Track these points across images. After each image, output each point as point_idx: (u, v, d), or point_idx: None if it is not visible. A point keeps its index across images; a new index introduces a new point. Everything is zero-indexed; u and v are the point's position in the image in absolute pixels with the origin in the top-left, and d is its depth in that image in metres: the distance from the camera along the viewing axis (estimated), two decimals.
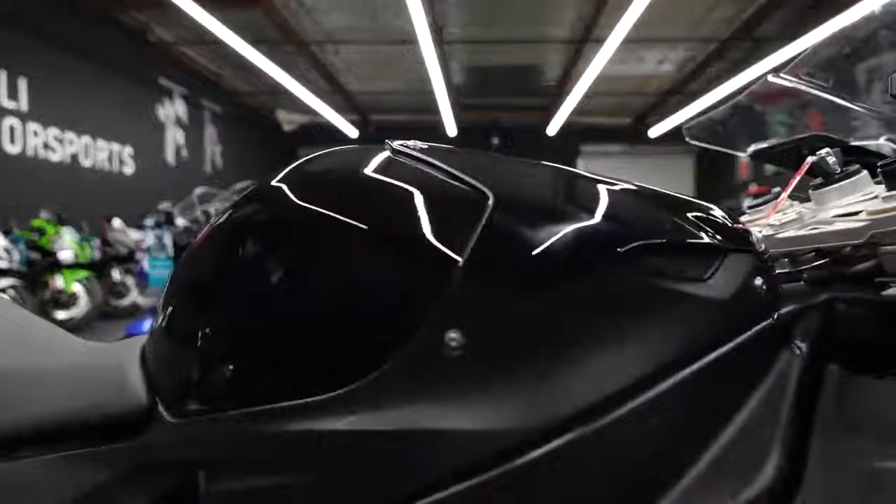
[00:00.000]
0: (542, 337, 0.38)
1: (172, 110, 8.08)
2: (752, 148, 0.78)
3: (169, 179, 7.56)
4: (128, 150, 7.05)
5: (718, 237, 0.44)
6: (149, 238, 2.75)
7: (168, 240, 2.59)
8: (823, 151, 0.60)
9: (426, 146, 0.50)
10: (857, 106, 0.67)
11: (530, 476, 0.37)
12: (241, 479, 0.42)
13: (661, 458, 0.38)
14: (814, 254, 0.56)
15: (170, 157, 8.06)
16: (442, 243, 0.39)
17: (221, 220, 0.50)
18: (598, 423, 0.37)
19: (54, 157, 5.88)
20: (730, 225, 0.47)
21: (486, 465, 0.37)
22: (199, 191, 2.82)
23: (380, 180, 0.46)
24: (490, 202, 0.40)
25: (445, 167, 0.44)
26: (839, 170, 0.60)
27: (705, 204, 0.49)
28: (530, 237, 0.39)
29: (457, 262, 0.38)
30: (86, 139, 6.34)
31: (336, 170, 0.51)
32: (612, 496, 0.37)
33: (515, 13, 6.56)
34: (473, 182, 0.42)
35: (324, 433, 0.39)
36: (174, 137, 8.13)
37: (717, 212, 0.48)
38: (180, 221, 2.53)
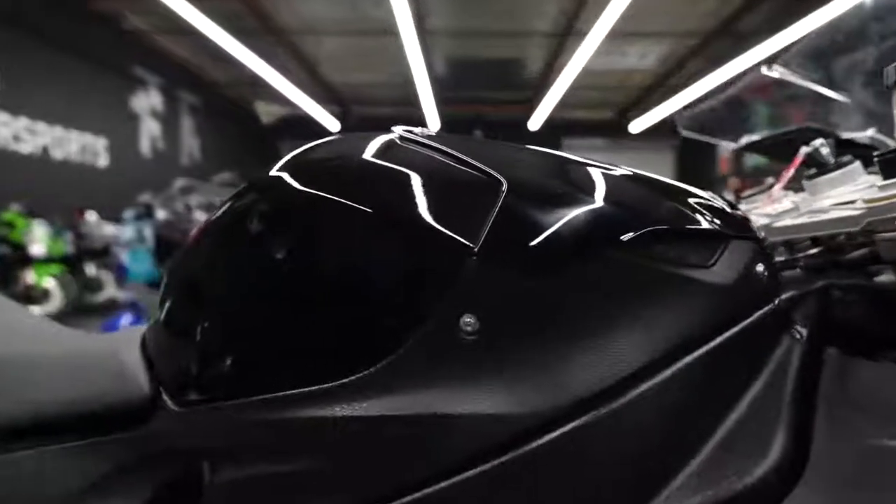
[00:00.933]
0: (556, 321, 0.38)
1: (147, 101, 7.88)
2: (744, 140, 0.79)
3: (144, 172, 7.38)
4: (102, 142, 6.86)
5: (721, 224, 0.45)
6: (128, 231, 2.68)
7: (149, 232, 2.54)
8: (817, 142, 0.61)
9: (432, 133, 0.49)
10: (847, 98, 0.69)
11: (545, 459, 0.37)
12: (249, 467, 0.41)
13: (672, 440, 0.39)
14: (809, 242, 0.58)
15: (145, 149, 7.87)
16: (456, 228, 0.39)
17: (229, 209, 0.49)
18: (611, 406, 0.38)
19: (25, 149, 5.70)
20: (731, 213, 0.48)
21: (500, 449, 0.37)
22: (180, 182, 2.77)
23: (390, 167, 0.45)
24: (504, 188, 0.40)
25: (455, 153, 0.44)
26: (833, 160, 0.61)
27: (707, 193, 0.49)
28: (544, 223, 0.39)
29: (471, 247, 0.38)
30: (58, 130, 6.15)
31: (343, 156, 0.51)
32: (625, 478, 0.38)
33: (498, 5, 6.55)
34: (485, 168, 0.42)
35: (335, 419, 0.39)
36: (150, 129, 7.94)
37: (718, 200, 0.49)
38: (161, 214, 2.48)
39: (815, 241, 0.57)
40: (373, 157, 0.47)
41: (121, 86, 7.36)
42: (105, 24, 6.80)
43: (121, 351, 0.51)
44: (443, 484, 0.37)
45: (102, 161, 6.92)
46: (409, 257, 0.40)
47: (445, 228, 0.39)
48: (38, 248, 4.68)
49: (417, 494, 0.38)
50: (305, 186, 0.45)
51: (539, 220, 0.40)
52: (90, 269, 5.21)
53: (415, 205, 0.41)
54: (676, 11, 6.60)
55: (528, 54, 8.17)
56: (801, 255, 0.56)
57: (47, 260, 4.76)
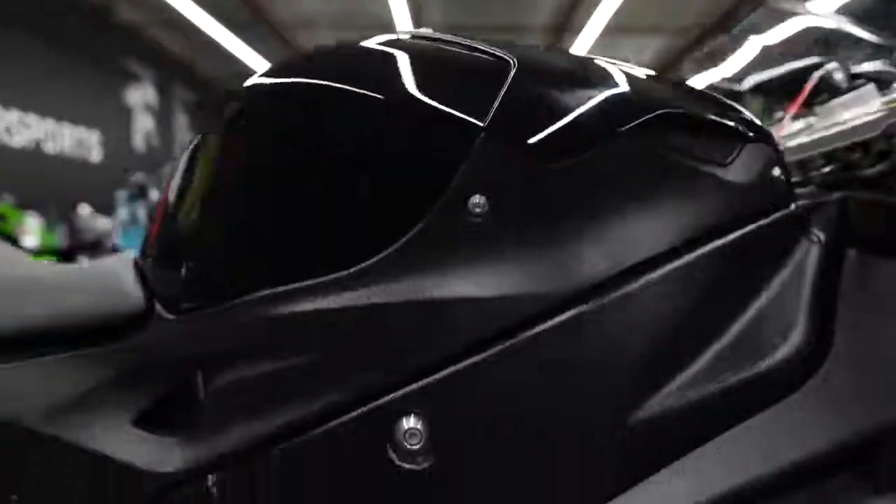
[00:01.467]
0: (565, 203, 0.37)
1: (141, 96, 7.83)
2: (750, 80, 0.78)
3: (138, 167, 7.32)
4: (95, 137, 6.81)
5: (740, 125, 0.44)
6: (122, 213, 2.65)
7: (142, 214, 2.50)
8: (831, 66, 0.60)
9: (439, 33, 0.48)
10: (861, 30, 0.67)
11: (553, 343, 0.36)
12: (248, 367, 0.39)
13: (686, 328, 0.38)
14: (823, 162, 0.56)
15: (139, 143, 7.82)
16: (464, 108, 0.37)
17: (231, 107, 0.47)
18: (621, 291, 0.36)
19: (17, 142, 5.64)
20: (750, 119, 0.47)
21: (508, 333, 0.36)
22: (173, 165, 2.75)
23: (396, 53, 0.44)
24: (513, 67, 0.39)
25: (465, 42, 0.43)
26: (846, 85, 0.60)
27: (728, 100, 0.48)
28: (554, 102, 0.38)
29: (480, 125, 0.37)
30: (50, 123, 6.10)
31: (351, 48, 0.49)
32: (633, 364, 0.37)
33: (495, 0, 6.55)
34: (495, 51, 0.40)
35: (338, 310, 0.37)
36: (143, 124, 7.89)
37: (738, 107, 0.48)
38: (155, 194, 2.45)
39: (829, 160, 0.55)
40: (379, 46, 0.45)
41: (113, 80, 7.30)
42: (98, 16, 6.75)
43: (114, 270, 0.51)
44: (448, 370, 0.36)
45: (96, 155, 6.87)
46: (416, 140, 0.39)
47: (453, 108, 0.38)
48: (30, 240, 4.63)
49: (423, 382, 0.36)
50: (307, 77, 0.43)
51: (550, 98, 0.38)
52: (84, 263, 5.16)
53: (422, 87, 0.39)
54: (673, 6, 6.61)
55: None
56: (814, 173, 0.55)
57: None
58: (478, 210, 0.36)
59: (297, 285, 0.39)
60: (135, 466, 0.41)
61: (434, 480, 0.35)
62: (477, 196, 0.36)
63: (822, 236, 0.44)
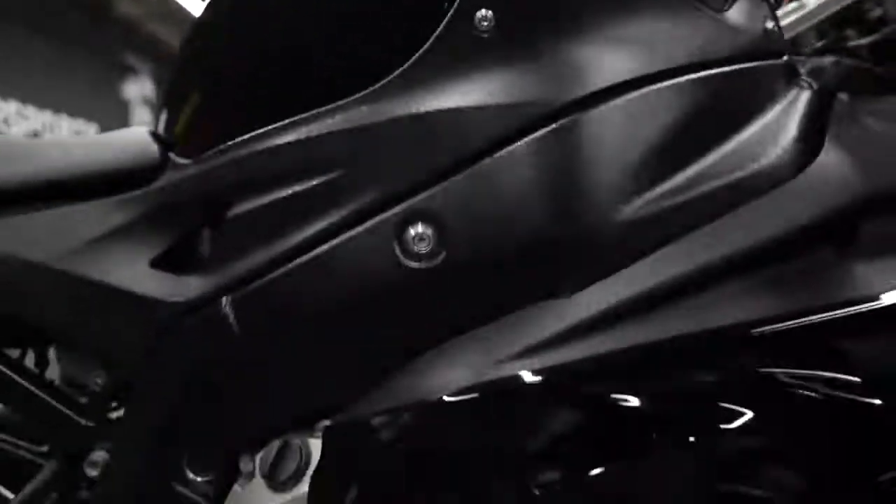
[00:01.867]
0: (567, 15, 0.39)
1: (139, 89, 7.84)
2: None
3: None
4: (93, 129, 6.82)
5: None
6: None
7: None
8: None
9: None
10: None
11: (549, 147, 0.38)
12: (266, 195, 0.41)
13: (679, 138, 0.40)
14: (814, 42, 0.58)
15: None
16: None
17: None
18: (615, 101, 0.39)
19: (15, 133, 5.65)
20: None
21: (509, 139, 0.38)
22: None
23: None
24: None
25: None
26: None
27: None
28: None
29: None
30: (48, 115, 6.11)
31: None
32: (630, 164, 0.39)
33: None
34: None
35: (348, 131, 0.39)
36: (141, 117, 7.90)
37: None
38: None
39: (821, 37, 0.57)
40: None
41: (112, 73, 7.31)
42: (97, 10, 6.76)
43: (129, 132, 0.54)
44: (454, 177, 0.38)
45: None
46: None
47: None
48: None
49: (430, 191, 0.38)
50: None
51: None
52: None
53: None
54: None
55: None
56: (806, 49, 0.57)
57: None
58: (484, 24, 0.38)
59: (306, 115, 0.40)
60: (149, 296, 0.43)
61: (441, 278, 0.37)
62: (483, 10, 0.38)
63: (814, 84, 0.46)
